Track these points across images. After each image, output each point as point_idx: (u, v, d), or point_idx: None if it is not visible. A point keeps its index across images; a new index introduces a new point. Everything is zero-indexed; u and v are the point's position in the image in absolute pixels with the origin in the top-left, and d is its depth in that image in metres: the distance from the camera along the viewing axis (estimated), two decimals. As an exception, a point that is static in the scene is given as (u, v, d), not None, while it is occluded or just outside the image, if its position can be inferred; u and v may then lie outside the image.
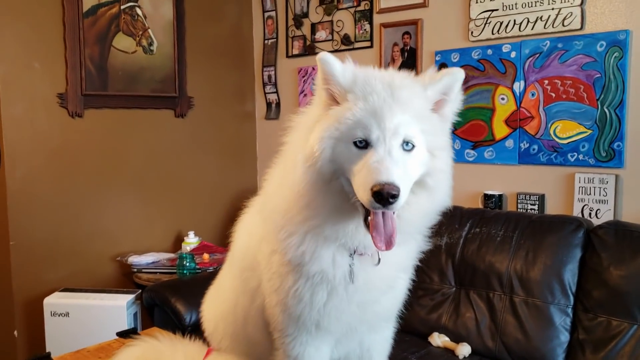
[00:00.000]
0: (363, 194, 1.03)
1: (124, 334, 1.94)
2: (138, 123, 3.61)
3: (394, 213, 1.07)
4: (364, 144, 1.07)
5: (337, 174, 1.11)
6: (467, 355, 2.47)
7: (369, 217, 1.07)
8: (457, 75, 1.17)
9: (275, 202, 1.21)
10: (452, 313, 2.63)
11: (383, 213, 1.05)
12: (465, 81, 3.08)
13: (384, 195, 1.00)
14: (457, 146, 3.18)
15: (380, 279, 1.21)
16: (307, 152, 1.11)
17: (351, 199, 1.10)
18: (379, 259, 1.19)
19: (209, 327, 1.49)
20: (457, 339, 2.55)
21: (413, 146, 1.09)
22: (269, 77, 4.15)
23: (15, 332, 3.17)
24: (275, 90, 4.15)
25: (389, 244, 1.06)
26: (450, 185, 1.21)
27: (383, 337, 1.36)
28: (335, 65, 1.10)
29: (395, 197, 1.00)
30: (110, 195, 3.51)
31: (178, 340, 1.72)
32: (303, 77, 3.94)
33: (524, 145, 2.94)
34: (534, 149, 2.91)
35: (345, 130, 1.08)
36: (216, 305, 1.47)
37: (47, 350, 2.71)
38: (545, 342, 2.36)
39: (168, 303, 2.81)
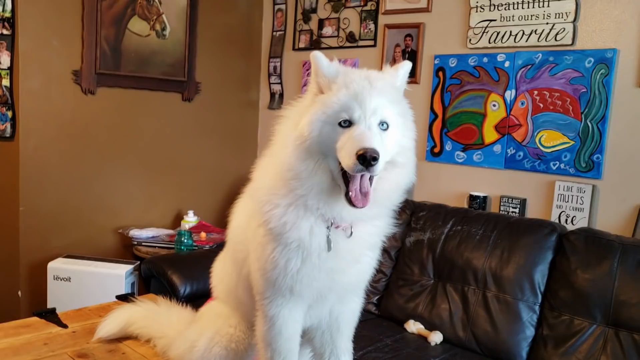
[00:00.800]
0: (348, 160, 1.20)
1: (123, 297, 2.12)
2: (147, 104, 3.77)
3: (370, 179, 1.25)
4: (347, 124, 1.25)
5: (324, 153, 1.28)
6: (438, 342, 2.64)
7: (349, 183, 1.25)
8: (408, 66, 1.41)
9: (262, 181, 1.39)
10: (428, 303, 2.81)
11: (362, 176, 1.24)
12: (461, 85, 3.25)
13: (367, 157, 1.17)
14: (448, 147, 3.35)
15: (349, 251, 1.37)
16: (297, 133, 1.29)
17: (335, 177, 1.29)
18: (351, 233, 1.35)
19: (214, 281, 1.69)
20: (431, 327, 2.73)
21: (388, 126, 1.29)
22: (275, 68, 4.31)
23: (19, 292, 3.36)
24: (279, 81, 4.31)
25: (365, 201, 1.24)
26: (415, 163, 1.40)
27: (350, 309, 1.53)
28: (322, 60, 1.29)
29: (375, 159, 1.18)
30: (117, 170, 3.68)
31: (173, 305, 1.91)
32: (307, 70, 4.10)
33: (510, 151, 3.10)
34: (519, 155, 3.07)
35: (332, 114, 1.26)
36: (220, 267, 1.67)
37: (48, 311, 2.90)
38: (512, 336, 2.53)
39: (165, 275, 2.99)
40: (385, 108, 1.27)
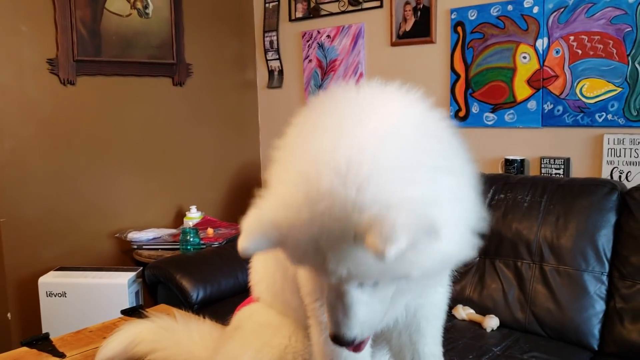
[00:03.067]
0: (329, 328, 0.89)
1: (130, 312, 1.77)
2: (134, 91, 3.40)
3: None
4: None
5: None
6: (495, 327, 2.31)
7: None
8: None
9: None
10: (476, 284, 2.48)
11: None
12: (484, 40, 2.91)
13: (342, 344, 0.86)
14: (475, 109, 3.00)
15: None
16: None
17: None
18: None
19: (253, 278, 1.31)
20: (483, 311, 2.40)
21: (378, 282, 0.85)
22: (271, 42, 3.94)
23: (9, 315, 3.00)
24: (277, 56, 3.94)
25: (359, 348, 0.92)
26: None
27: (431, 303, 1.15)
28: (254, 248, 0.83)
29: (356, 339, 0.86)
30: (106, 168, 3.31)
31: (190, 318, 1.55)
32: (307, 41, 3.73)
33: (547, 106, 2.76)
34: (558, 110, 2.73)
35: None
36: (261, 264, 1.29)
37: (42, 332, 2.54)
38: (580, 312, 2.20)
39: (173, 280, 2.65)
40: (360, 279, 0.82)
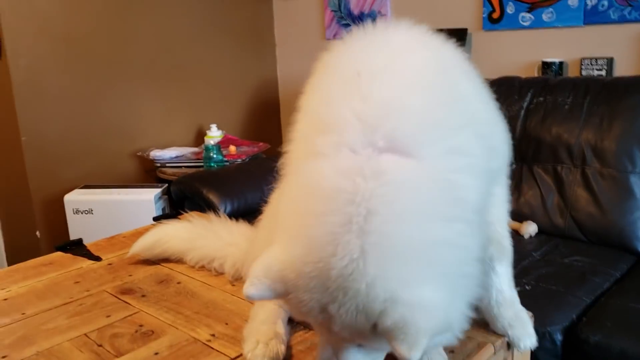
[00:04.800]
0: None
1: (163, 218, 1.71)
2: (148, 2, 3.24)
3: None
4: None
5: None
6: (533, 234, 2.26)
7: None
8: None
9: None
10: (513, 191, 2.38)
11: None
12: None
13: None
14: (510, 10, 2.82)
15: None
16: None
17: None
18: None
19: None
20: (520, 218, 2.33)
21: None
22: (287, -51, 3.72)
23: (38, 233, 2.99)
24: (294, -36, 3.72)
25: None
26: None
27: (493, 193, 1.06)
28: (262, 296, 0.80)
29: None
30: (124, 84, 3.21)
31: (226, 220, 1.49)
32: (327, -54, 3.51)
33: (590, 1, 2.58)
34: (603, 5, 2.55)
35: None
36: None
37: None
38: (624, 215, 2.13)
39: (200, 194, 2.59)
40: (365, 344, 0.80)
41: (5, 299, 1.28)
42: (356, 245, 0.71)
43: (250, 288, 0.78)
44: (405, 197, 0.73)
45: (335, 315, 0.73)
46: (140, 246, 1.43)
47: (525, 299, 1.74)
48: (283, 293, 0.77)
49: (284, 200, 0.86)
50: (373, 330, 0.72)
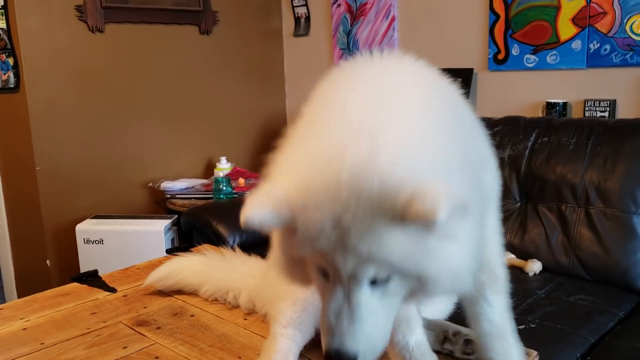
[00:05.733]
0: (322, 341, 0.79)
1: (175, 250, 1.76)
2: (161, 40, 3.34)
3: None
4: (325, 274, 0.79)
5: None
6: (537, 272, 2.28)
7: None
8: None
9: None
10: (518, 229, 2.43)
11: None
12: (526, -23, 2.78)
13: None
14: (515, 51, 2.90)
15: None
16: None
17: None
18: None
19: None
20: (524, 256, 2.36)
21: (389, 279, 0.76)
22: (298, -12, 3.83)
23: (48, 262, 3.03)
24: (304, 2, 3.83)
25: None
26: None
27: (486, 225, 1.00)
28: (254, 219, 0.74)
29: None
30: (137, 117, 3.29)
31: (235, 254, 1.54)
32: (337, -14, 3.62)
33: (593, 45, 2.65)
34: (605, 50, 2.62)
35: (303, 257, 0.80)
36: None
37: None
38: (628, 255, 2.15)
39: (209, 226, 2.63)
40: (378, 264, 0.73)
41: (25, 329, 1.32)
42: (365, 146, 0.70)
43: (250, 211, 0.72)
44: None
45: (351, 226, 0.69)
46: (155, 277, 1.47)
47: (530, 338, 1.76)
48: (289, 218, 0.72)
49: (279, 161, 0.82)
50: (393, 230, 0.69)
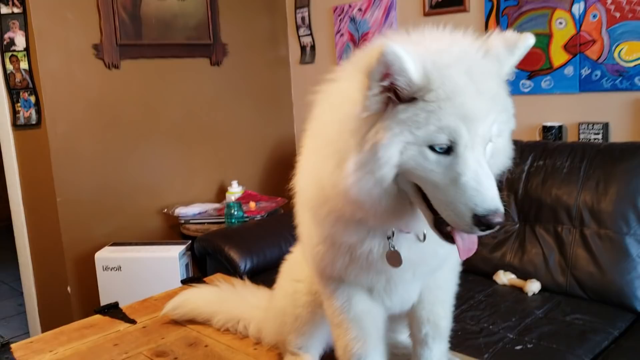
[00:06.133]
0: (456, 217, 0.85)
1: (189, 281, 1.88)
2: (174, 72, 3.50)
3: None
4: (445, 149, 0.86)
5: (399, 178, 0.90)
6: (536, 291, 2.37)
7: (449, 229, 0.90)
8: (529, 42, 0.94)
9: (312, 196, 1.04)
10: (517, 250, 2.53)
11: None
12: (519, 6, 2.91)
13: (492, 225, 0.84)
14: (511, 77, 3.00)
15: (425, 253, 1.06)
16: (364, 157, 0.87)
17: (412, 201, 0.93)
18: (425, 235, 1.01)
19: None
20: (523, 276, 2.46)
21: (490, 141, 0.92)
22: (302, 18, 3.98)
23: (69, 288, 3.17)
24: (309, 32, 3.98)
25: (473, 252, 0.94)
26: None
27: (434, 279, 1.18)
28: (407, 61, 0.81)
29: (500, 223, 0.85)
30: (152, 147, 3.44)
31: (246, 284, 1.66)
32: (339, 15, 3.77)
33: (585, 71, 2.76)
34: (596, 75, 2.73)
35: (424, 135, 0.85)
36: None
37: (101, 304, 2.70)
38: (622, 275, 2.25)
39: (222, 251, 2.76)
40: (498, 122, 0.89)
41: (54, 361, 1.45)
42: None
43: (394, 46, 0.79)
44: None
45: (480, 75, 0.86)
46: (170, 307, 1.61)
47: (527, 358, 1.87)
48: (422, 77, 0.83)
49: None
50: (498, 79, 0.91)
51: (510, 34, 0.92)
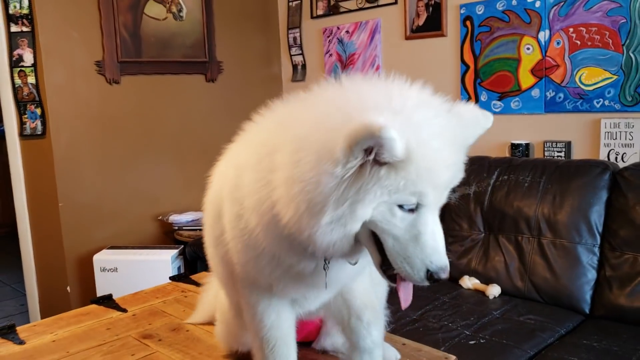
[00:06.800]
0: (410, 270, 0.93)
1: (177, 278, 2.10)
2: (171, 88, 3.73)
3: None
4: (412, 208, 0.94)
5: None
6: (497, 295, 2.58)
7: (394, 272, 0.98)
8: (490, 123, 1.09)
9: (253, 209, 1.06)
10: (481, 257, 2.74)
11: None
12: (491, 32, 3.14)
13: (439, 280, 0.93)
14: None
15: (354, 270, 1.14)
16: (340, 213, 0.91)
17: (361, 241, 0.98)
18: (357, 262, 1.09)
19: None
20: (486, 281, 2.67)
21: None
22: (294, 39, 4.23)
23: (68, 288, 3.38)
24: (300, 52, 4.22)
25: (410, 302, 1.03)
26: None
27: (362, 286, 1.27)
28: (397, 142, 0.85)
29: (445, 279, 0.95)
30: (149, 158, 3.66)
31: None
32: (328, 37, 4.01)
33: (549, 93, 2.99)
34: (559, 97, 2.96)
35: (398, 197, 0.91)
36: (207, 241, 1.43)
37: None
38: (573, 280, 2.46)
39: (210, 255, 2.96)
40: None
41: (54, 341, 1.66)
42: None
43: (388, 126, 0.83)
44: None
45: (458, 147, 0.96)
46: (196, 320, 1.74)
47: (478, 350, 2.09)
48: (406, 152, 0.86)
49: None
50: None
51: (474, 109, 1.05)
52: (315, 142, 0.92)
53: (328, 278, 1.09)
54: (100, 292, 3.17)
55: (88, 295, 3.28)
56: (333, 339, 1.46)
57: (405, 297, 1.00)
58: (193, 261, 3.15)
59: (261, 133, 1.14)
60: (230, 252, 1.18)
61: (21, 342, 1.64)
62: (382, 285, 1.35)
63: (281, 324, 1.21)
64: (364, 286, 1.28)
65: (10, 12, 3.17)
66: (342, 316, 1.29)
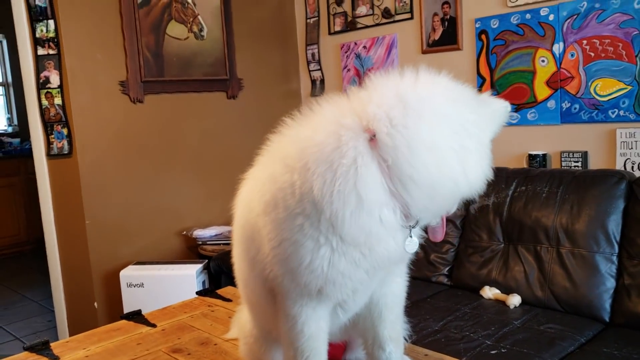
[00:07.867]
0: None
1: (203, 293, 2.16)
2: (194, 106, 3.83)
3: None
4: None
5: None
6: (517, 304, 2.61)
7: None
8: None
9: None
10: (501, 268, 2.77)
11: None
12: (506, 46, 3.19)
13: None
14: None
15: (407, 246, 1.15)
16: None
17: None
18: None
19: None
20: (507, 291, 2.70)
21: None
22: (313, 55, 4.31)
23: (95, 304, 3.47)
24: (319, 67, 4.30)
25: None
26: None
27: (392, 292, 1.30)
28: None
29: None
30: (172, 174, 3.75)
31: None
32: (345, 52, 4.08)
33: (565, 105, 3.02)
34: (575, 108, 2.99)
35: None
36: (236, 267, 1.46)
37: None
38: (592, 289, 2.48)
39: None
40: None
41: (87, 356, 1.73)
42: None
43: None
44: None
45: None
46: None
47: (499, 360, 2.11)
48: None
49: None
50: None
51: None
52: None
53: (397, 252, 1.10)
54: (127, 307, 3.26)
55: (115, 310, 3.37)
56: (357, 354, 1.51)
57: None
58: (217, 275, 3.21)
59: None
60: (273, 264, 1.16)
61: (56, 358, 1.71)
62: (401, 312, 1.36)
63: (319, 335, 1.24)
64: (394, 318, 1.31)
65: (37, 35, 3.29)
66: (366, 340, 1.33)
